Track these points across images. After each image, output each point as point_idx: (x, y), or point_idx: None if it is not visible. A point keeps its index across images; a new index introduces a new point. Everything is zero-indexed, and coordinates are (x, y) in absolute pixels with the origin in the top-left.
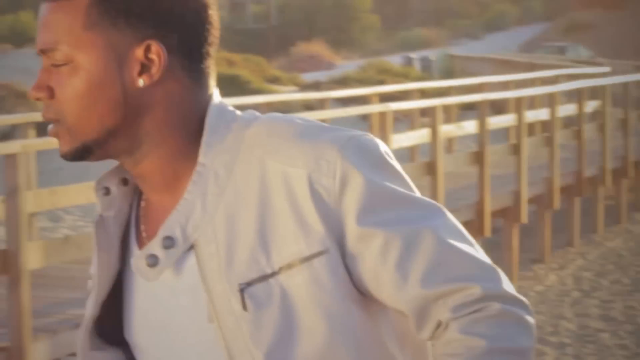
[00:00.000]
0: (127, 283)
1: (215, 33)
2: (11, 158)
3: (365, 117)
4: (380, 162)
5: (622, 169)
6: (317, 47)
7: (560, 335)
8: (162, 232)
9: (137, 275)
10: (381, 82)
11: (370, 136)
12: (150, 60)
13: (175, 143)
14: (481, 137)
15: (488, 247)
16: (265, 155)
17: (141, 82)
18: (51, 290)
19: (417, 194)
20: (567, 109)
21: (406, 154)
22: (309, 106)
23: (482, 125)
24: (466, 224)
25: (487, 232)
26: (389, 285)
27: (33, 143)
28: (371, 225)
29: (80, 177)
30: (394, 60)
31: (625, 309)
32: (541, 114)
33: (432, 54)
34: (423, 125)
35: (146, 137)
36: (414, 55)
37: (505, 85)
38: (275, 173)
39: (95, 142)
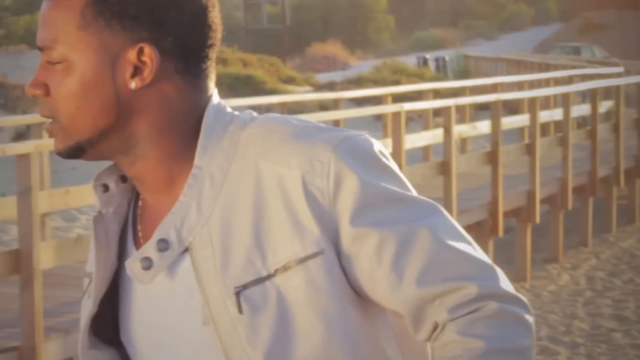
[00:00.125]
0: (124, 283)
1: (214, 35)
2: (24, 158)
3: (379, 117)
4: (374, 162)
5: (636, 168)
6: (332, 48)
7: (573, 335)
8: (156, 235)
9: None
10: (396, 83)
11: (366, 136)
12: (143, 62)
13: (170, 145)
14: (494, 137)
15: (501, 247)
16: (260, 157)
17: (133, 84)
18: (63, 289)
19: (414, 193)
20: (581, 109)
21: (420, 154)
22: (323, 106)
23: (496, 125)
24: (479, 224)
25: (500, 232)
26: (385, 285)
27: (46, 143)
28: (366, 226)
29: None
30: (409, 61)
31: (638, 308)
32: (555, 114)
33: (446, 54)
34: (437, 126)
35: (140, 139)
36: (429, 55)
37: (519, 86)
38: (269, 174)
39: (88, 142)
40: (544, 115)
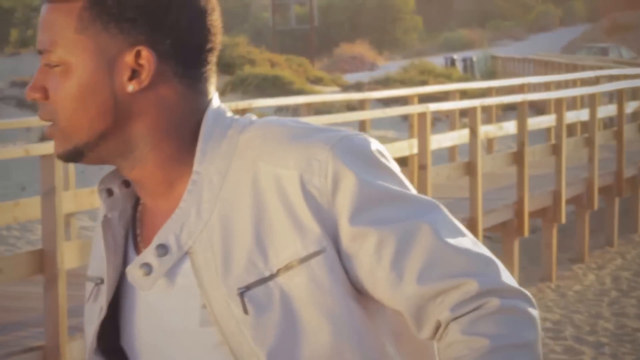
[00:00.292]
0: (125, 288)
1: (214, 39)
2: (48, 158)
3: (406, 118)
4: (372, 161)
5: None
6: (360, 48)
7: (598, 335)
8: (155, 241)
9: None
10: (423, 83)
11: (364, 136)
12: (141, 65)
13: (169, 148)
14: (520, 138)
15: (527, 247)
16: (258, 159)
17: (131, 87)
18: None
19: (413, 191)
20: (607, 110)
21: (446, 154)
22: (351, 107)
23: (522, 125)
24: (505, 224)
25: (526, 232)
26: (385, 284)
27: None
28: (364, 225)
29: None
30: (437, 61)
31: None
32: (581, 115)
33: (474, 55)
34: (464, 126)
35: (139, 142)
36: (456, 56)
37: (546, 86)
38: (267, 175)
39: (86, 145)
40: (571, 116)
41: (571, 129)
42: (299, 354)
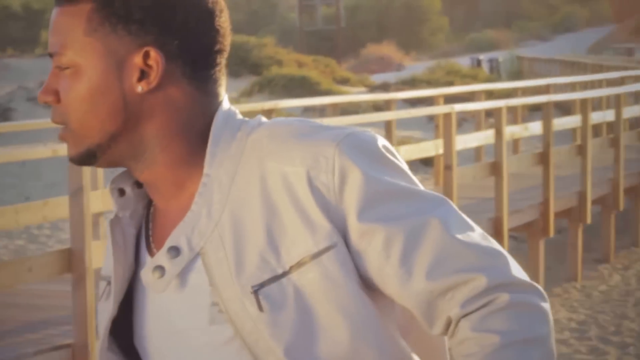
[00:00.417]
0: (138, 288)
1: (222, 41)
2: None
3: (432, 118)
4: (379, 158)
5: None
6: (387, 49)
7: (623, 335)
8: (167, 243)
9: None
10: (449, 84)
11: (371, 132)
12: (149, 66)
13: (179, 150)
14: (546, 138)
15: (552, 248)
16: (265, 157)
17: (140, 88)
18: None
19: (421, 187)
20: (632, 110)
21: (472, 155)
22: (378, 107)
23: (547, 126)
24: (530, 224)
25: (552, 232)
26: (394, 281)
27: None
28: (372, 221)
29: None
30: (463, 62)
31: None
32: (607, 115)
33: (500, 55)
34: (490, 126)
35: (149, 144)
36: (483, 56)
37: (572, 87)
38: (274, 173)
39: (98, 147)
40: (596, 117)
41: (597, 129)
42: (316, 349)
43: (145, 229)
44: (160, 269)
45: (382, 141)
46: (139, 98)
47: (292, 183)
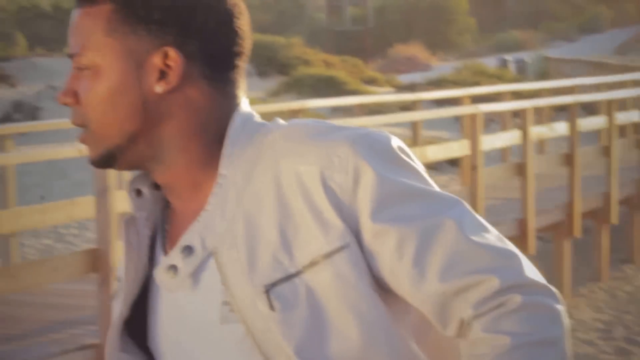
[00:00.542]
0: (153, 289)
1: (242, 43)
2: None
3: (459, 119)
4: (393, 158)
5: None
6: (414, 49)
7: None
8: (181, 242)
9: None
10: (476, 84)
11: (385, 133)
12: (169, 67)
13: (197, 151)
14: (572, 139)
15: (578, 248)
16: (279, 157)
17: (159, 88)
18: None
19: (435, 188)
20: None
21: (498, 155)
22: (405, 107)
23: (573, 127)
24: (556, 225)
25: (578, 232)
26: (407, 282)
27: None
28: (385, 222)
29: None
30: (490, 62)
31: None
32: (632, 116)
33: (527, 56)
34: (516, 127)
35: (168, 144)
36: (509, 57)
37: (597, 88)
38: (288, 173)
39: (117, 148)
40: (622, 117)
41: (622, 130)
42: (327, 349)
43: (162, 230)
44: (173, 268)
45: (396, 142)
46: (158, 98)
47: (306, 182)
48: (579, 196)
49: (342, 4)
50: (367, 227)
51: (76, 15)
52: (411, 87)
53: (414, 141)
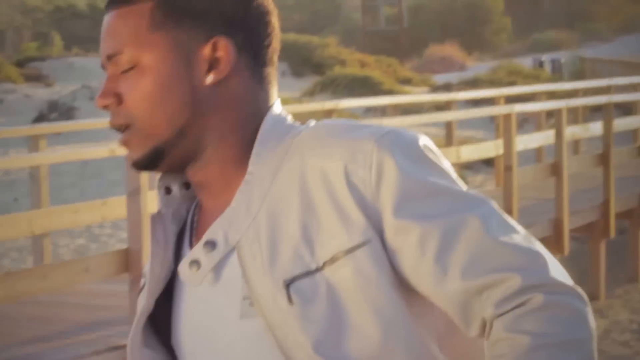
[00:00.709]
0: (177, 286)
1: (276, 39)
2: None
3: (494, 119)
4: (418, 155)
5: None
6: (450, 49)
7: None
8: (204, 237)
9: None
10: (512, 84)
11: (412, 131)
12: (217, 58)
13: (232, 148)
14: (606, 139)
15: (613, 248)
16: (306, 154)
17: (210, 78)
18: None
19: (462, 187)
20: None
21: (532, 155)
22: (439, 107)
23: (608, 127)
24: (591, 225)
25: (612, 233)
26: (429, 279)
27: None
28: (408, 218)
29: None
30: (525, 62)
31: None
32: None
33: (563, 56)
34: (551, 127)
35: (209, 139)
36: (545, 57)
37: (633, 87)
38: (313, 169)
39: (166, 144)
40: None
41: None
42: (345, 345)
43: (190, 228)
44: (196, 262)
45: (423, 140)
46: (206, 90)
47: (330, 178)
48: (613, 196)
49: (377, 4)
50: (390, 224)
51: (113, 17)
52: (446, 87)
53: (448, 141)
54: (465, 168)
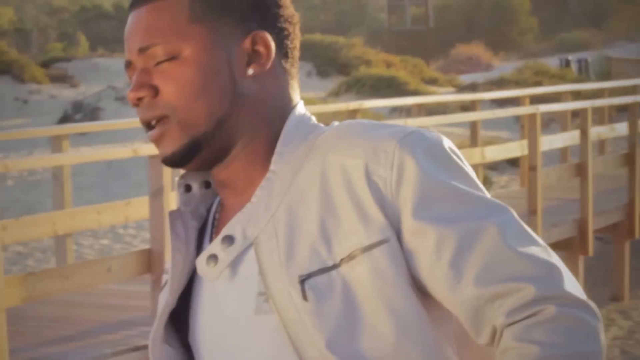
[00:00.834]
0: (196, 283)
1: (299, 43)
2: (156, 158)
3: (519, 119)
4: (441, 157)
5: None
6: (476, 49)
7: None
8: (222, 233)
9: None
10: (538, 84)
11: (436, 132)
12: (257, 51)
13: (258, 145)
14: (632, 139)
15: (638, 249)
16: (327, 152)
17: (251, 71)
18: None
19: (483, 193)
20: None
21: (557, 155)
22: (465, 107)
23: (633, 127)
24: (616, 226)
25: (637, 233)
26: (443, 284)
27: None
28: (426, 220)
29: None
30: (552, 62)
31: None
32: None
33: (589, 56)
34: (576, 127)
35: (241, 132)
36: (571, 57)
37: None
38: (334, 166)
39: (205, 135)
40: None
41: None
42: (359, 344)
43: (211, 226)
44: (213, 257)
45: (447, 142)
46: (246, 83)
47: (350, 175)
48: (639, 197)
49: (403, 4)
50: (408, 224)
51: (144, 10)
52: (472, 87)
53: (472, 141)
54: (490, 168)
